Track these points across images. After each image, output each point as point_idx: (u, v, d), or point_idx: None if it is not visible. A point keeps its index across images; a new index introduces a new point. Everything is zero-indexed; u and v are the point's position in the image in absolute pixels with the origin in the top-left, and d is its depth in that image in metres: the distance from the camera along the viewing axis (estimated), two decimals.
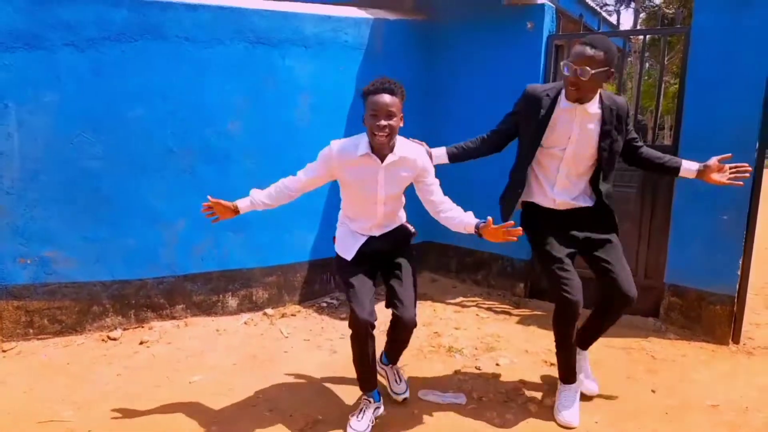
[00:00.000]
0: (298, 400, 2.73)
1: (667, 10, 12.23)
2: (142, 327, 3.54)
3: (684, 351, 3.33)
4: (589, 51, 2.28)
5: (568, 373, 2.63)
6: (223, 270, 3.74)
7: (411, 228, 2.65)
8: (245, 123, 3.67)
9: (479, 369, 3.09)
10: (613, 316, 2.62)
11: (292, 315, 3.86)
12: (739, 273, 3.41)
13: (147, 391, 2.80)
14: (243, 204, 2.53)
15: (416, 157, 2.41)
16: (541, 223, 2.60)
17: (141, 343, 3.35)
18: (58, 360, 3.12)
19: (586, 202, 2.59)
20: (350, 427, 2.44)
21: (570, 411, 2.56)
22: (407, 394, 2.74)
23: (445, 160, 2.65)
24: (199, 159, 3.56)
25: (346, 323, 3.67)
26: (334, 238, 2.61)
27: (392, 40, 4.27)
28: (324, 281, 4.19)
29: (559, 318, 2.51)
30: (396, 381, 2.77)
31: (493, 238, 2.29)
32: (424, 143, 2.58)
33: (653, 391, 2.86)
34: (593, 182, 2.56)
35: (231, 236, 3.72)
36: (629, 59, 16.78)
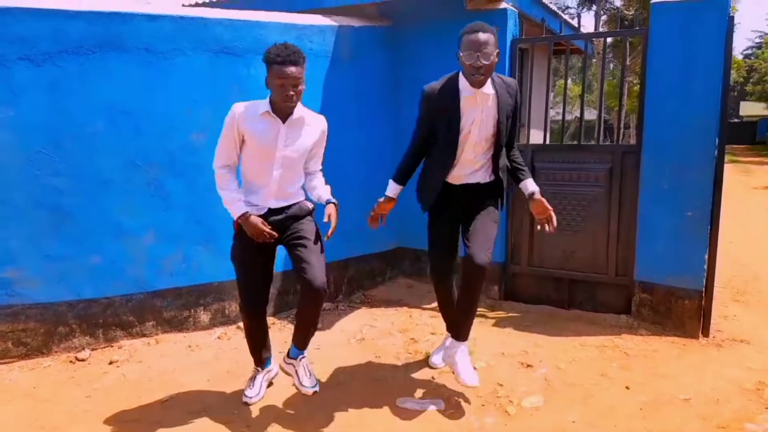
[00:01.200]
0: (275, 414, 2.69)
1: (627, 12, 12.54)
2: (111, 346, 3.44)
3: (656, 346, 3.39)
4: (483, 36, 2.44)
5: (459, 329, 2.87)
6: (193, 284, 3.66)
7: (309, 204, 2.71)
8: (211, 134, 3.58)
9: None
10: (466, 291, 2.75)
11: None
12: (705, 268, 3.49)
13: (118, 412, 2.71)
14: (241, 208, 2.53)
15: (317, 121, 2.62)
16: (437, 203, 2.78)
17: (110, 363, 3.26)
18: (24, 384, 3.01)
19: (484, 179, 2.77)
20: (244, 395, 2.73)
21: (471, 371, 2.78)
22: (317, 387, 2.82)
23: (398, 189, 2.85)
24: (164, 172, 3.49)
25: (321, 334, 3.65)
26: (234, 220, 2.58)
27: (358, 47, 4.27)
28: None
29: (433, 281, 2.91)
30: (306, 374, 2.82)
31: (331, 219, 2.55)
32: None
33: (627, 388, 2.89)
34: (494, 158, 2.75)
35: (200, 249, 3.66)
36: (593, 60, 17.15)
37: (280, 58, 2.35)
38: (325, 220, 2.57)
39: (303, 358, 2.84)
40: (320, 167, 2.76)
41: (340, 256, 4.25)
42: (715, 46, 3.32)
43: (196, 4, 5.42)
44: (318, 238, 2.65)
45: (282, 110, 2.47)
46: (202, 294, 3.70)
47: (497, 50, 2.50)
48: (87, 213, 3.32)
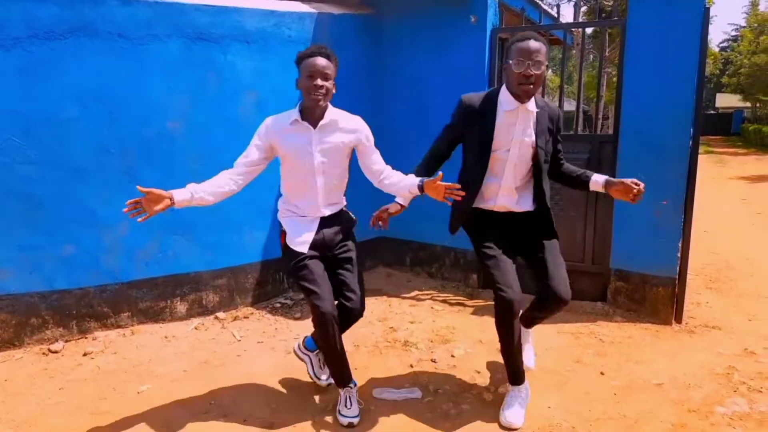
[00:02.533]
0: (253, 404, 2.68)
1: (606, 3, 12.62)
2: (86, 338, 3.39)
3: (630, 333, 3.45)
4: (535, 44, 2.27)
5: (514, 373, 2.56)
6: (169, 274, 3.62)
7: (352, 215, 2.65)
8: (187, 122, 3.55)
9: (435, 361, 3.11)
10: (548, 314, 2.65)
11: (245, 317, 3.78)
12: (679, 255, 3.55)
13: (92, 404, 2.68)
14: (181, 196, 2.24)
15: (351, 122, 2.46)
16: (481, 226, 2.58)
17: (84, 354, 3.21)
18: None
19: (527, 206, 2.55)
20: (341, 415, 2.49)
21: (512, 410, 2.49)
22: (331, 379, 2.71)
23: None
24: (139, 160, 3.43)
25: (300, 323, 3.64)
26: (282, 233, 2.51)
27: (338, 35, 4.22)
28: (277, 281, 4.12)
29: (498, 318, 2.44)
30: (320, 366, 2.79)
31: (435, 195, 2.25)
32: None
33: (602, 374, 2.94)
34: (536, 184, 2.53)
35: (177, 239, 3.61)
36: (573, 51, 17.25)
37: (309, 51, 2.30)
38: (435, 194, 2.27)
39: (318, 351, 2.77)
40: (384, 164, 2.52)
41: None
42: (691, 38, 3.36)
43: None
44: (357, 258, 2.56)
45: (312, 113, 2.35)
46: (179, 284, 3.66)
47: (547, 63, 2.34)
48: (60, 202, 3.25)
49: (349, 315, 2.49)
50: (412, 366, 3.06)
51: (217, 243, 3.76)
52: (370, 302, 4.04)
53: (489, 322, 3.63)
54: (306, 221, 2.46)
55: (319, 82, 2.27)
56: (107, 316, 3.47)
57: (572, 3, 19.70)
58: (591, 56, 20.86)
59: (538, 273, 2.52)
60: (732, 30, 46.64)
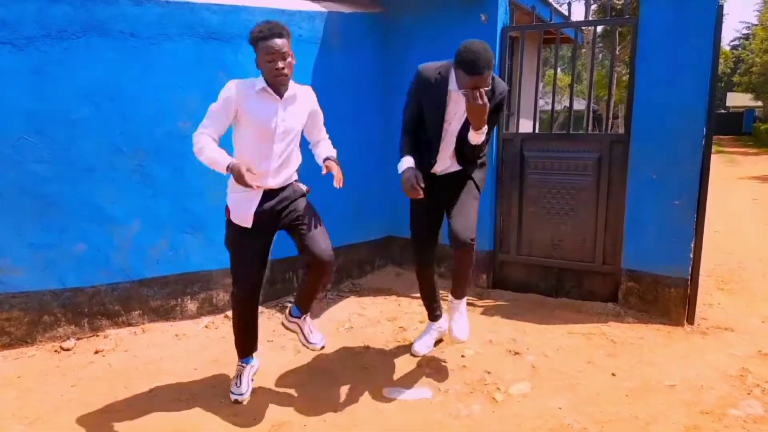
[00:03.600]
0: (263, 403, 2.68)
1: (617, 1, 12.55)
2: (97, 335, 3.41)
3: (642, 334, 3.43)
4: (486, 72, 2.41)
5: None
6: (180, 273, 3.63)
7: (303, 186, 2.67)
8: (198, 121, 3.53)
9: (445, 361, 3.10)
10: (456, 264, 2.85)
11: None
12: (691, 256, 3.52)
13: (103, 401, 2.69)
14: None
15: (307, 93, 2.62)
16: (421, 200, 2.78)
17: (96, 352, 3.23)
18: (8, 373, 2.98)
19: (456, 167, 2.85)
20: (232, 393, 2.67)
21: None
22: (324, 341, 2.77)
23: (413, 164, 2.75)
24: (150, 159, 3.44)
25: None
26: (227, 208, 2.57)
27: (348, 34, 4.23)
28: (286, 280, 4.13)
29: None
30: (310, 331, 2.77)
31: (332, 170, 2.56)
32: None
33: (613, 375, 2.92)
34: (458, 150, 2.79)
35: (188, 237, 3.62)
36: (583, 50, 17.16)
37: (263, 34, 2.35)
38: (324, 172, 2.57)
39: (306, 316, 2.77)
40: (325, 135, 2.78)
41: (345, 241, 4.25)
42: (704, 36, 3.33)
43: None
44: (315, 212, 2.63)
45: (276, 88, 2.45)
46: (190, 283, 3.67)
47: (492, 72, 2.52)
48: (71, 200, 3.28)
49: (319, 260, 2.52)
50: (421, 366, 3.05)
51: None
52: (378, 302, 4.06)
53: (499, 323, 3.63)
54: (250, 195, 2.50)
55: (280, 64, 2.36)
56: (118, 314, 3.49)
57: (583, 1, 19.61)
58: (600, 55, 20.76)
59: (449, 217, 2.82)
60: (743, 28, 46.18)
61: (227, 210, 2.58)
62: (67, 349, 3.25)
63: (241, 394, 2.67)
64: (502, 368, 3.01)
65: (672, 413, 2.55)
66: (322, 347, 2.79)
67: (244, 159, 2.48)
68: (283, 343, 3.37)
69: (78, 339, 3.36)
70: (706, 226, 3.59)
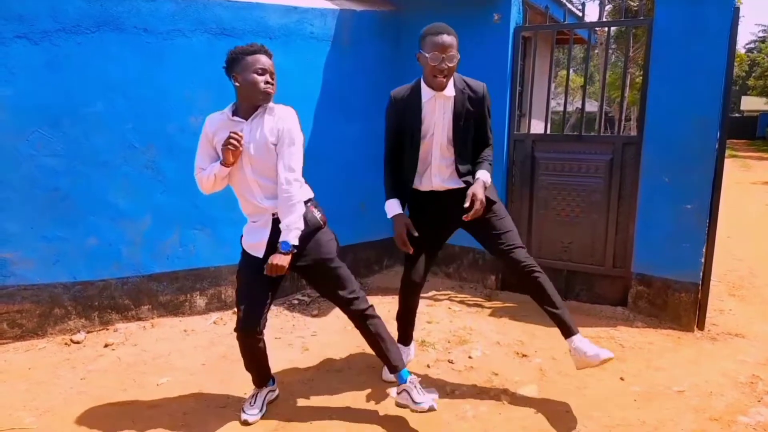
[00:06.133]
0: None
1: (632, 2, 12.45)
2: (107, 329, 3.44)
3: (651, 338, 3.40)
4: (447, 38, 2.39)
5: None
6: (190, 268, 3.65)
7: (317, 213, 2.42)
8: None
9: (452, 362, 3.09)
10: (536, 286, 2.74)
11: None
12: (702, 261, 3.49)
13: (112, 394, 2.72)
14: None
15: (283, 113, 2.31)
16: (418, 209, 2.73)
17: (106, 345, 3.25)
18: (19, 365, 3.01)
19: (458, 184, 2.67)
20: (244, 412, 2.50)
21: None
22: (434, 402, 2.37)
23: (398, 203, 2.68)
24: (161, 154, 3.47)
25: (318, 320, 3.66)
26: (241, 237, 2.46)
27: (359, 32, 4.22)
28: (294, 278, 4.14)
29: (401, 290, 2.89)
30: (420, 392, 2.42)
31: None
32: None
33: (622, 379, 2.90)
34: (457, 162, 2.65)
35: (197, 234, 3.64)
36: (596, 51, 17.06)
37: (252, 49, 2.26)
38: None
39: (411, 377, 2.48)
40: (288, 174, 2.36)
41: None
42: (719, 39, 3.29)
43: None
44: (337, 254, 2.49)
45: (246, 111, 2.31)
46: (199, 278, 3.69)
47: (458, 54, 2.47)
48: (84, 194, 3.30)
49: (363, 314, 2.46)
50: (429, 366, 3.05)
51: (235, 238, 3.75)
52: (386, 301, 4.05)
53: (507, 324, 3.61)
54: (263, 222, 2.36)
55: (270, 78, 2.28)
56: (128, 308, 3.51)
57: (597, 2, 19.47)
58: (613, 56, 20.61)
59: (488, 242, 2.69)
60: (759, 31, 45.77)
61: (242, 238, 2.47)
62: (77, 342, 3.28)
63: (253, 415, 2.49)
64: (510, 370, 3.00)
65: (680, 419, 2.52)
66: (431, 407, 2.35)
67: (240, 200, 2.42)
68: (291, 340, 3.38)
69: (88, 332, 3.39)
70: (718, 231, 3.55)
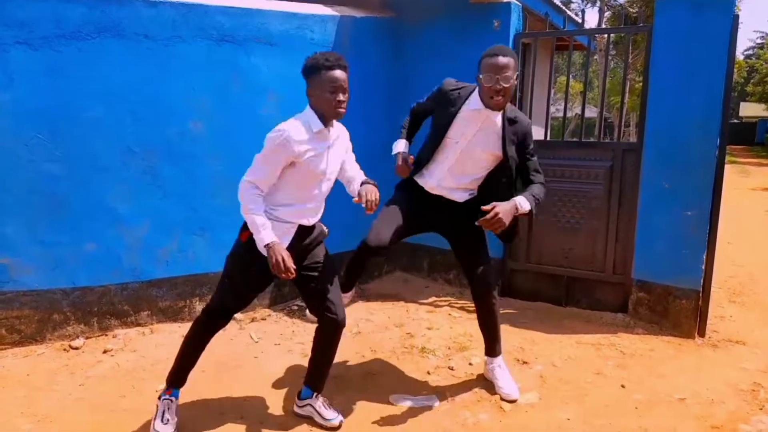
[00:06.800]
0: (269, 406, 2.68)
1: (631, 10, 12.49)
2: (106, 335, 3.42)
3: (652, 345, 3.39)
4: (503, 60, 2.39)
5: None
6: (189, 274, 3.64)
7: (325, 227, 2.52)
8: (210, 123, 3.58)
9: (452, 369, 3.08)
10: (483, 308, 2.83)
11: (263, 319, 3.79)
12: (703, 268, 3.48)
13: (111, 401, 2.70)
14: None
15: (344, 130, 2.50)
16: (405, 196, 2.74)
17: (104, 351, 3.24)
18: (17, 371, 3.00)
19: (461, 197, 2.69)
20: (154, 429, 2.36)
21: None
22: (341, 417, 2.51)
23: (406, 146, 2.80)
24: (161, 160, 3.46)
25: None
26: (245, 230, 2.27)
27: (360, 38, 4.23)
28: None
29: (354, 254, 2.75)
30: (325, 407, 2.52)
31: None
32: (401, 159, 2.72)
33: (623, 386, 2.89)
34: (484, 185, 2.70)
35: (197, 239, 3.63)
36: (595, 57, 17.10)
37: (329, 63, 2.21)
38: (359, 200, 2.39)
39: (317, 395, 2.55)
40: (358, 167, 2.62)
41: (338, 249, 4.19)
42: (718, 45, 3.30)
43: None
44: (333, 265, 2.50)
45: (329, 124, 2.33)
46: (198, 284, 3.68)
47: (517, 73, 2.46)
48: (83, 200, 3.30)
49: (332, 324, 2.44)
50: (429, 373, 3.04)
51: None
52: (386, 307, 4.05)
53: (507, 331, 3.60)
54: (286, 227, 2.29)
55: (342, 97, 2.26)
56: (127, 314, 3.50)
57: (597, 8, 19.54)
58: (613, 63, 20.66)
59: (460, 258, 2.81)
60: (758, 37, 45.80)
61: (244, 232, 2.31)
62: (76, 348, 3.27)
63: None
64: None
65: (682, 427, 2.51)
66: (341, 422, 2.49)
67: (285, 198, 2.30)
68: (291, 346, 3.37)
69: (87, 338, 3.37)
70: (718, 238, 3.55)
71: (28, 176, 3.16)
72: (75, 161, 3.25)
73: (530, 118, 4.28)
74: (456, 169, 2.64)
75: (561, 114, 4.38)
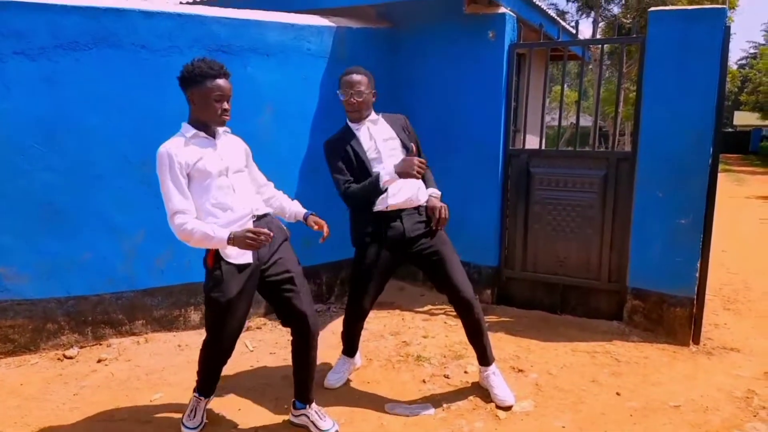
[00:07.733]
0: (264, 415, 2.67)
1: (625, 20, 12.60)
2: (100, 344, 3.41)
3: (647, 353, 3.39)
4: (356, 77, 2.69)
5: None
6: (184, 283, 3.64)
7: (284, 227, 2.52)
8: None
9: (448, 377, 3.08)
10: (467, 318, 2.85)
11: (258, 328, 3.79)
12: (697, 275, 3.50)
13: (106, 410, 2.69)
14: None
15: (239, 140, 2.51)
16: (368, 252, 2.81)
17: (99, 361, 3.23)
18: (11, 381, 2.98)
19: (418, 201, 2.77)
20: (184, 425, 2.48)
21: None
22: (336, 426, 2.51)
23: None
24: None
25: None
26: (209, 253, 2.30)
27: (356, 49, 4.26)
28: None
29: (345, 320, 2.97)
30: (320, 416, 2.52)
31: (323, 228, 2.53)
32: None
33: (618, 394, 2.89)
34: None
35: (191, 248, 3.61)
36: (590, 67, 17.22)
37: (214, 72, 2.21)
38: (316, 228, 2.53)
39: (311, 405, 2.55)
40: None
41: (333, 257, 4.23)
42: (711, 56, 3.33)
43: (194, 2, 5.40)
44: (301, 269, 2.47)
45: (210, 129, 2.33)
46: (193, 293, 3.68)
47: (372, 90, 2.77)
48: (79, 209, 3.30)
49: (308, 336, 2.41)
50: (424, 381, 3.04)
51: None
52: (381, 315, 4.04)
53: (503, 339, 3.60)
54: (235, 225, 2.27)
55: (227, 105, 2.34)
56: (122, 323, 3.49)
57: (591, 19, 19.71)
58: (607, 72, 20.80)
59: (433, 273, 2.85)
60: (750, 47, 46.25)
61: (210, 258, 2.30)
62: (70, 358, 3.26)
63: (195, 427, 2.48)
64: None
65: None
66: (337, 431, 2.50)
67: (215, 209, 2.33)
68: (285, 355, 3.36)
69: (81, 347, 3.36)
70: (713, 246, 3.57)
71: (24, 185, 3.16)
72: (71, 170, 3.26)
73: (525, 127, 4.33)
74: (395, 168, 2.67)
75: (556, 123, 4.40)
